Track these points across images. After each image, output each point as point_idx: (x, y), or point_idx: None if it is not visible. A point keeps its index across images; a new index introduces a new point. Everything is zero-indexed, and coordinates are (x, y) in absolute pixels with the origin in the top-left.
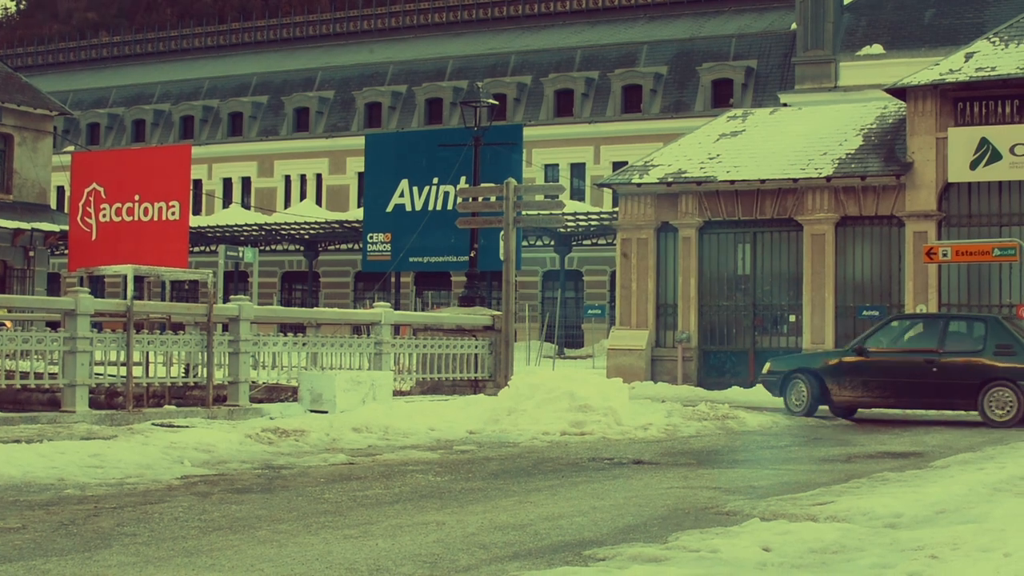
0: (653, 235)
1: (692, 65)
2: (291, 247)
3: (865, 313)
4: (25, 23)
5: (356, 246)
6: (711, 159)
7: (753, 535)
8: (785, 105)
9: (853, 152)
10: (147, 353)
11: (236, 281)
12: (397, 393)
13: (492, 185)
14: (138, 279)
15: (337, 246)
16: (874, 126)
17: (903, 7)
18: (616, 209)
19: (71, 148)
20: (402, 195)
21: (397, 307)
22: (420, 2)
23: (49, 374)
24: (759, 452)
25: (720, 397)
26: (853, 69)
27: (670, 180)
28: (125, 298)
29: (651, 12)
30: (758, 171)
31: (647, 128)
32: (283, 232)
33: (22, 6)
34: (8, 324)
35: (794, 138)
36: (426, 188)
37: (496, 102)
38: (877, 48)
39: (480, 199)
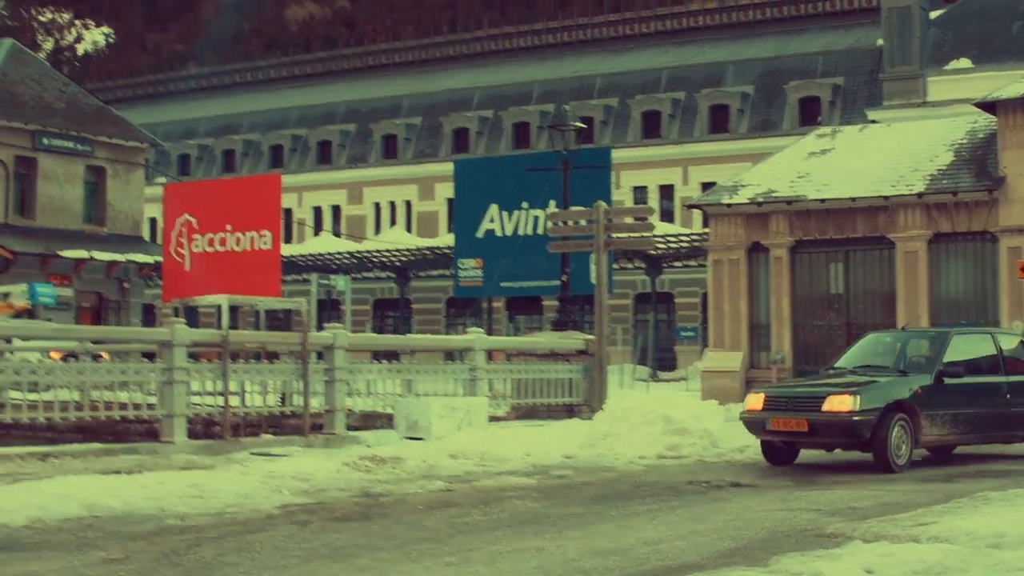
0: (744, 255)
1: (779, 84)
2: (382, 274)
3: None
4: (115, 57)
5: (447, 272)
6: (801, 178)
7: (855, 557)
8: (873, 122)
9: (944, 168)
10: (243, 382)
11: (328, 309)
12: (492, 419)
13: (582, 209)
14: (232, 309)
15: (428, 272)
16: (964, 141)
17: (990, 20)
18: (706, 230)
19: (162, 179)
20: (492, 220)
21: (490, 332)
22: (504, 27)
23: (147, 405)
24: (857, 473)
25: None
26: (941, 84)
27: (760, 200)
28: (219, 328)
29: (736, 31)
30: (849, 189)
31: (735, 148)
32: (374, 259)
33: (112, 40)
34: (105, 356)
35: (884, 155)
36: (516, 213)
37: (584, 125)
38: (965, 62)
39: (570, 223)
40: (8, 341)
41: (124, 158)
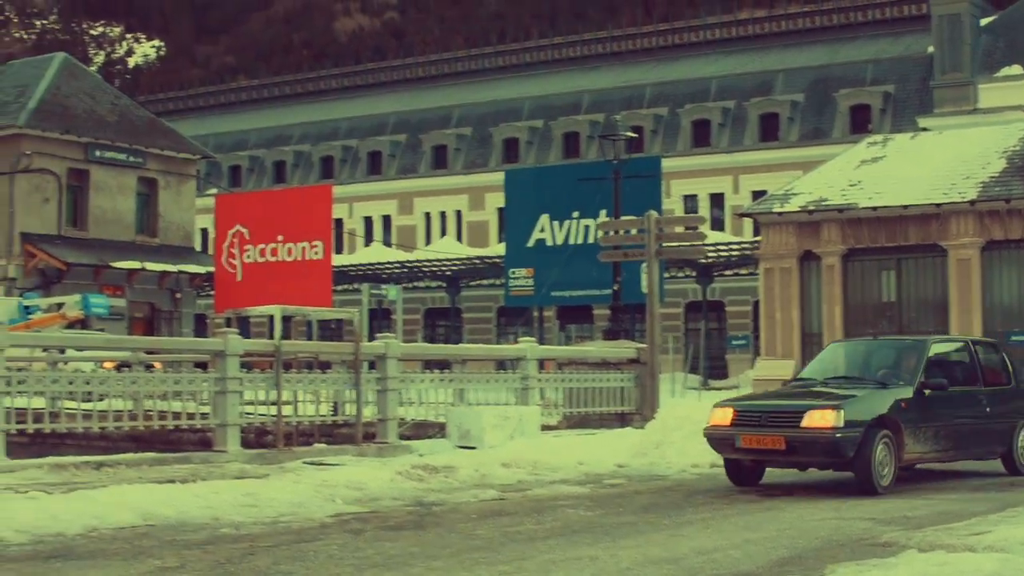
0: (796, 264)
1: (829, 92)
2: (433, 284)
3: (1014, 339)
4: (166, 69)
5: (497, 281)
6: (852, 186)
7: (910, 567)
8: (925, 129)
9: (997, 175)
10: (296, 392)
11: (379, 319)
12: (544, 428)
13: (633, 218)
14: (284, 318)
15: (479, 282)
16: (1017, 148)
17: None
18: (757, 238)
19: (214, 191)
20: (543, 230)
21: (541, 341)
22: (554, 37)
23: (200, 414)
24: (912, 482)
25: None
26: (992, 91)
27: (812, 208)
28: (271, 338)
29: (785, 40)
30: (900, 197)
31: (785, 156)
32: (425, 269)
33: (162, 53)
34: (157, 365)
35: (936, 162)
36: (566, 222)
37: (635, 135)
38: (1016, 69)
39: (621, 232)
40: (62, 351)
41: (176, 170)
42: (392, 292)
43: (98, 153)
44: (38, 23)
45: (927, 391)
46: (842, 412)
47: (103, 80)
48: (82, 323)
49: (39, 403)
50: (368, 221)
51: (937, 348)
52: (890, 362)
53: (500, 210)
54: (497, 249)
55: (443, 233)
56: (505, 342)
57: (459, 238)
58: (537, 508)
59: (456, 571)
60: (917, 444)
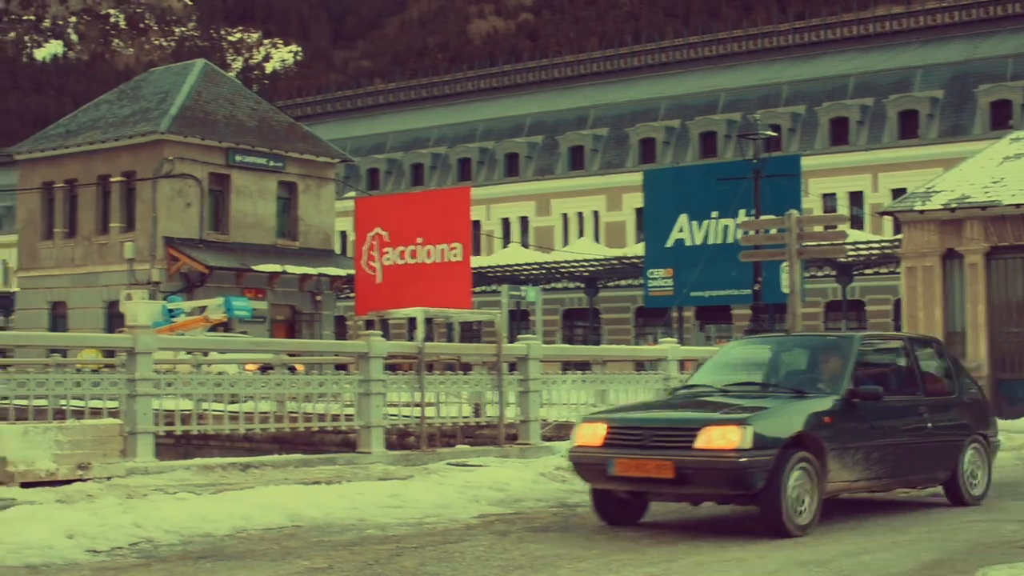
0: (938, 262)
1: (969, 87)
2: (571, 284)
3: None
4: (303, 74)
5: (635, 282)
6: (995, 183)
7: None
8: None
9: None
10: (438, 393)
11: (518, 320)
12: None
13: (774, 217)
14: (424, 320)
15: (617, 282)
16: None
17: None
18: (898, 237)
19: (352, 194)
20: (681, 230)
21: (680, 342)
22: (688, 36)
23: (345, 416)
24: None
25: (1015, 427)
26: None
27: (954, 206)
28: (410, 339)
29: (924, 36)
30: None
31: (925, 154)
32: (562, 270)
33: (300, 58)
34: (300, 367)
35: None
36: (705, 222)
37: (774, 133)
38: None
39: (762, 232)
40: (205, 354)
41: (315, 173)
42: (531, 293)
43: (238, 158)
44: (177, 30)
45: (857, 400)
46: (749, 429)
47: (242, 85)
48: (224, 326)
49: (185, 405)
50: (506, 223)
51: (867, 347)
52: (808, 364)
53: (637, 210)
54: (635, 249)
55: (580, 234)
56: (643, 343)
57: (596, 239)
58: (682, 509)
59: (603, 572)
60: (844, 470)
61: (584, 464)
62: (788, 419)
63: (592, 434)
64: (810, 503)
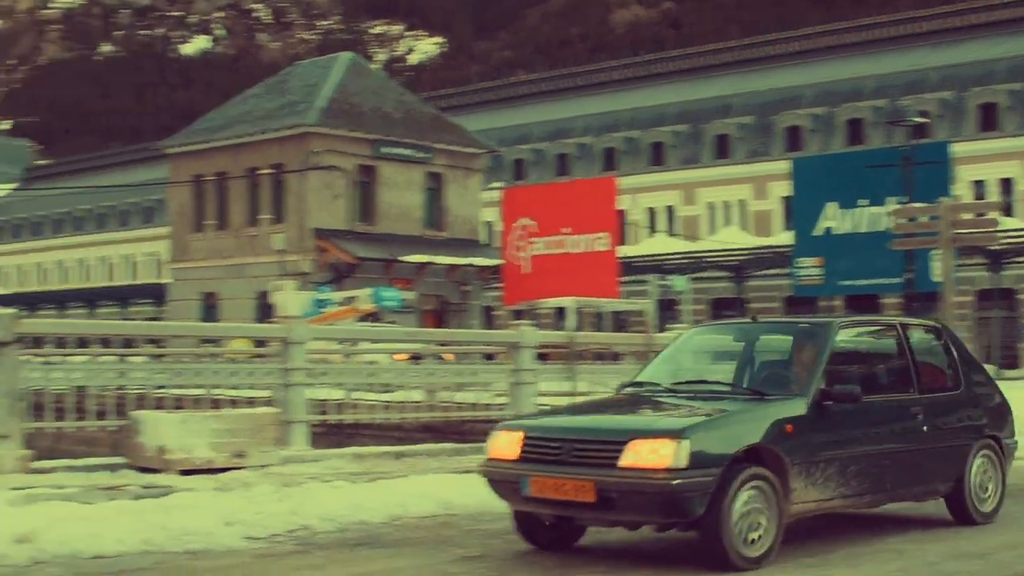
0: None
1: None
2: (718, 274)
3: None
4: (447, 65)
5: (782, 271)
6: None
7: None
8: None
9: None
10: (589, 383)
11: (664, 310)
12: None
13: (924, 205)
14: (565, 311)
15: (764, 271)
16: None
17: None
18: None
19: (497, 184)
20: (830, 218)
21: None
22: (834, 23)
23: (496, 405)
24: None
25: None
26: None
27: None
28: (559, 329)
29: None
30: None
31: None
32: (709, 260)
33: (443, 50)
34: (448, 357)
35: None
36: (854, 210)
37: (926, 120)
38: None
39: (913, 219)
40: (353, 344)
41: (461, 164)
42: (680, 283)
43: (385, 149)
44: (321, 24)
45: (829, 403)
46: (684, 443)
47: (388, 78)
48: (373, 316)
49: (337, 394)
50: (651, 212)
51: (847, 335)
52: (773, 359)
53: (784, 199)
54: (781, 238)
55: (726, 223)
56: None
57: (743, 227)
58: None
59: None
60: (813, 487)
61: (497, 482)
62: (738, 429)
63: (507, 444)
64: (767, 529)
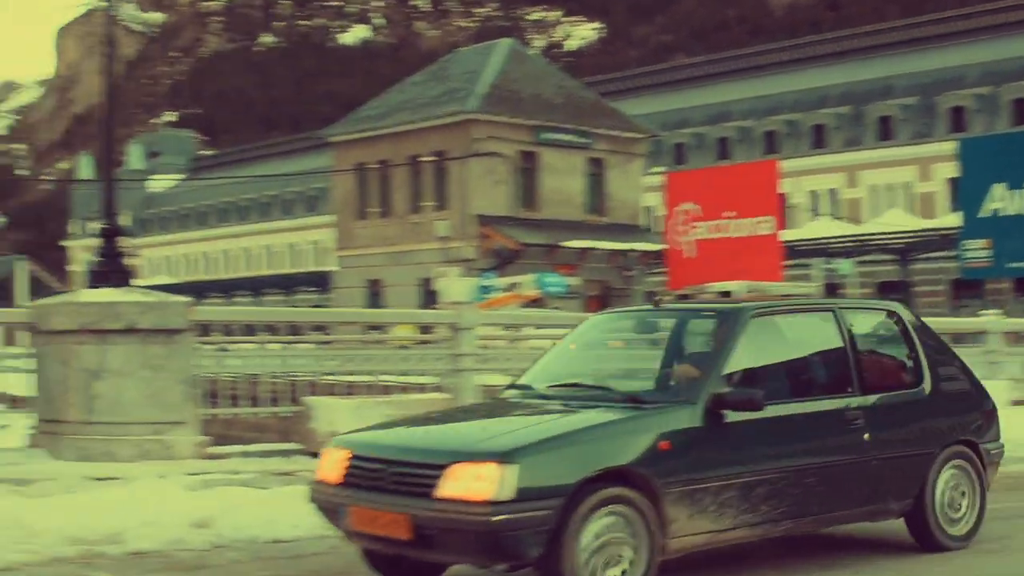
0: None
1: None
2: (883, 257)
3: None
4: (605, 50)
5: (948, 253)
6: None
7: None
8: None
9: None
10: None
11: (829, 293)
12: (1016, 403)
13: None
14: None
15: (929, 254)
16: None
17: None
18: None
19: (658, 168)
20: (998, 199)
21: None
22: (997, 1)
23: None
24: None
25: None
26: None
27: None
28: None
29: None
30: None
31: None
32: (872, 243)
33: (601, 35)
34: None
35: None
36: (1022, 191)
37: None
38: None
39: None
40: (518, 329)
41: (622, 149)
42: (845, 266)
43: (546, 135)
44: (478, 11)
45: (727, 412)
46: (512, 468)
47: (548, 63)
48: (538, 302)
49: (502, 380)
50: (813, 195)
51: (761, 326)
52: (664, 355)
53: (949, 181)
54: (945, 220)
55: (890, 205)
56: (958, 316)
57: (907, 210)
58: (1010, 485)
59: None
60: (702, 516)
61: (324, 509)
62: (592, 448)
63: (332, 465)
64: (634, 562)
